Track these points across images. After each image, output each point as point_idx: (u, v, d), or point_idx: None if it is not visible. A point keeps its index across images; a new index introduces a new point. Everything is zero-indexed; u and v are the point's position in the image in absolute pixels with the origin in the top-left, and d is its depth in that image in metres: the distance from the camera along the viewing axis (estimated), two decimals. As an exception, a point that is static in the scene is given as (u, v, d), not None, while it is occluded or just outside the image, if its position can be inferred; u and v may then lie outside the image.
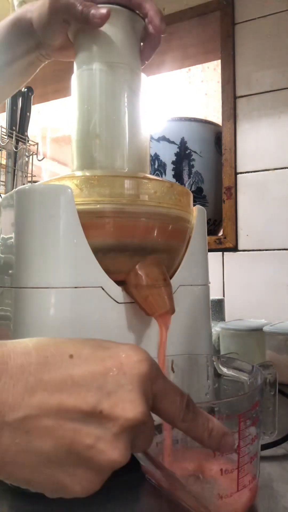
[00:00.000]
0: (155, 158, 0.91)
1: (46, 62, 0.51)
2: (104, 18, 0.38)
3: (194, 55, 1.13)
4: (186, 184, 0.91)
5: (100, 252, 0.36)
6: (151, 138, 0.92)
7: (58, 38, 0.45)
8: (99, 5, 0.39)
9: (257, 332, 0.67)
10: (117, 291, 0.37)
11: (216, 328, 0.72)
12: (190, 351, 0.42)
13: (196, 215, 0.45)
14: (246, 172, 0.90)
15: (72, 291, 0.35)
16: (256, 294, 0.87)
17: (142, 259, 0.38)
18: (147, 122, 0.45)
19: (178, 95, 1.43)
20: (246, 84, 0.92)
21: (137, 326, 0.38)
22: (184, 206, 0.41)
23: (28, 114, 0.94)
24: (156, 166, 0.92)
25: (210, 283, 0.46)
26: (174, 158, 0.91)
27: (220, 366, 0.37)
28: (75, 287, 0.35)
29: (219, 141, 0.94)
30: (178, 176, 0.91)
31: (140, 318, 0.38)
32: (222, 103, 0.93)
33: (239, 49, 0.93)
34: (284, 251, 0.86)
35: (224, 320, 0.78)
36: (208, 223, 1.01)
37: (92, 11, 0.38)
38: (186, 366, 0.39)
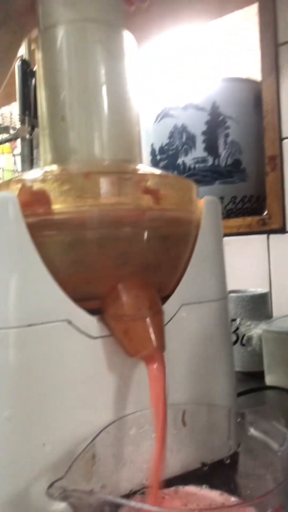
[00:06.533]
0: (182, 130, 0.79)
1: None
2: None
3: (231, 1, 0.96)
4: (222, 157, 0.77)
5: (64, 275, 0.28)
6: (176, 107, 0.80)
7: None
8: None
9: (307, 335, 0.55)
10: (90, 323, 0.28)
11: (258, 330, 0.61)
12: (205, 393, 0.33)
13: (204, 209, 0.34)
14: (293, 137, 0.75)
15: (23, 331, 0.26)
16: (309, 283, 0.73)
17: (123, 279, 0.29)
18: (136, 94, 0.35)
19: (212, 51, 1.25)
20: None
21: (122, 366, 0.29)
22: (183, 203, 0.31)
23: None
24: (184, 140, 0.80)
25: (228, 295, 0.36)
26: (204, 127, 0.78)
27: (246, 426, 0.28)
28: (29, 325, 0.26)
29: (258, 101, 0.79)
30: (210, 148, 0.78)
31: (126, 355, 0.29)
32: (261, 54, 0.78)
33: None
34: None
35: (271, 317, 0.66)
36: (249, 200, 0.88)
37: None
38: (201, 419, 0.30)
